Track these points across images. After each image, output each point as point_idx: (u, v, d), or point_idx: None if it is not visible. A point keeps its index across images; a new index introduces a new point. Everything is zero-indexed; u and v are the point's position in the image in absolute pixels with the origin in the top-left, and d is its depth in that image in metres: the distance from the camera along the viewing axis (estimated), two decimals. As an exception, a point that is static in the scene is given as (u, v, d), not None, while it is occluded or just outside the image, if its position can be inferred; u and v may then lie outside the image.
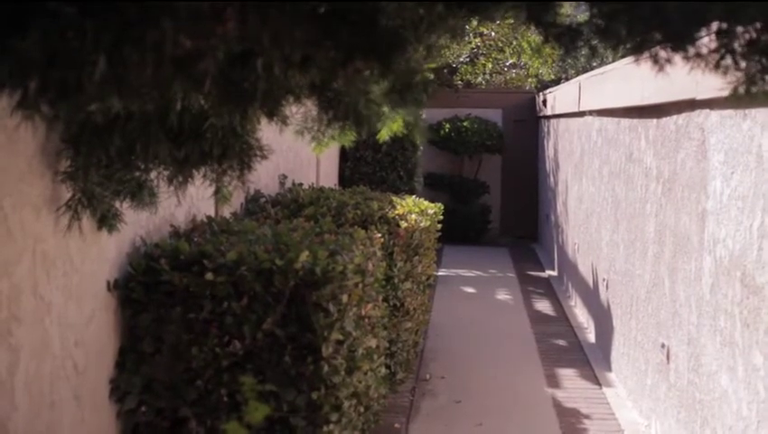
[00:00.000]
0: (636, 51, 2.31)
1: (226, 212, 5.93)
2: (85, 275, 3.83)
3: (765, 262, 3.98)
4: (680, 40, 2.28)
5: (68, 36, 1.98)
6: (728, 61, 2.30)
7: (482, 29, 16.53)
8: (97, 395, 4.06)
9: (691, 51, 2.32)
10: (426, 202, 7.63)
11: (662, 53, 2.34)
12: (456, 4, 2.32)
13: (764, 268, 3.99)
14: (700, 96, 4.89)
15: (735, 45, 2.26)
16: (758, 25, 2.23)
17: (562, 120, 12.53)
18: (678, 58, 2.35)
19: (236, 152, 3.02)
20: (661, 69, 2.37)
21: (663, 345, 5.91)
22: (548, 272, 13.13)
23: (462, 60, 17.41)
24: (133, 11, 1.99)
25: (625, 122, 7.48)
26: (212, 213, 5.61)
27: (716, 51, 2.30)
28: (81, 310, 3.81)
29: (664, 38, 2.29)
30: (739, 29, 2.24)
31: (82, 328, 3.82)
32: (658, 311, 6.13)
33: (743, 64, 2.28)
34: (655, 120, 6.32)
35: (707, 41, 2.29)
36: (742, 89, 2.32)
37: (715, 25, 2.29)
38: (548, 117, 14.21)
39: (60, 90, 2.10)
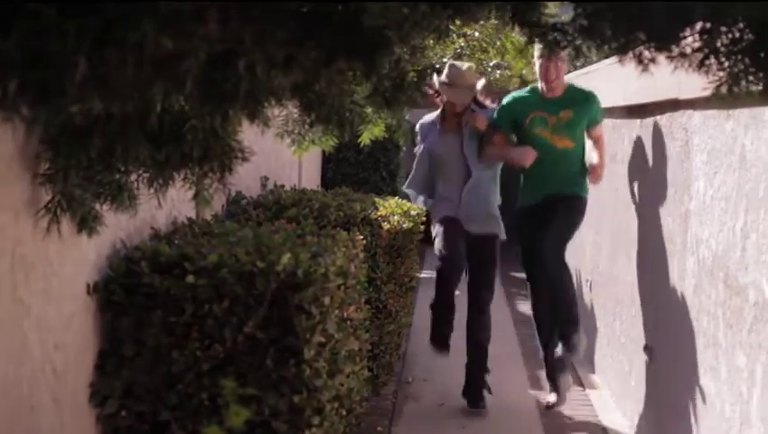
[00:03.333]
0: (620, 50, 2.31)
1: (207, 214, 5.90)
2: (64, 278, 3.79)
3: (748, 263, 3.97)
4: (664, 39, 2.28)
5: (48, 37, 1.96)
6: (712, 60, 2.30)
7: (465, 29, 16.54)
8: (76, 399, 4.02)
9: (675, 50, 2.32)
10: (408, 204, 7.62)
11: (646, 53, 2.33)
12: (440, 4, 2.30)
13: (747, 268, 3.98)
14: (683, 96, 4.89)
15: (719, 44, 2.26)
16: (741, 25, 2.22)
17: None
18: (661, 58, 2.34)
19: (217, 154, 3.01)
20: (645, 68, 2.36)
21: (647, 347, 5.91)
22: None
23: (445, 60, 17.40)
24: (114, 12, 1.97)
25: (609, 122, 7.48)
26: (193, 216, 5.58)
27: (699, 50, 2.29)
28: (61, 313, 3.78)
29: (648, 38, 2.28)
30: (722, 28, 2.24)
31: (62, 331, 3.79)
32: (641, 312, 6.13)
33: (726, 63, 2.28)
34: (639, 120, 6.33)
35: (690, 40, 2.29)
36: (724, 89, 2.32)
37: (698, 25, 2.28)
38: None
39: (41, 92, 2.08)
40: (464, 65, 7.09)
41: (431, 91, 6.81)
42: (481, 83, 7.03)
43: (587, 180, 6.85)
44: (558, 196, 6.76)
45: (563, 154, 6.74)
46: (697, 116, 4.82)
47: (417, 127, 7.29)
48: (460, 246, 7.05)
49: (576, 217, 6.90)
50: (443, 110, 7.09)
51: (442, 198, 7.19)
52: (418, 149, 7.22)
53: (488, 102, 7.16)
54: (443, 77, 6.90)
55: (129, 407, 4.25)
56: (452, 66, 7.01)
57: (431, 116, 7.25)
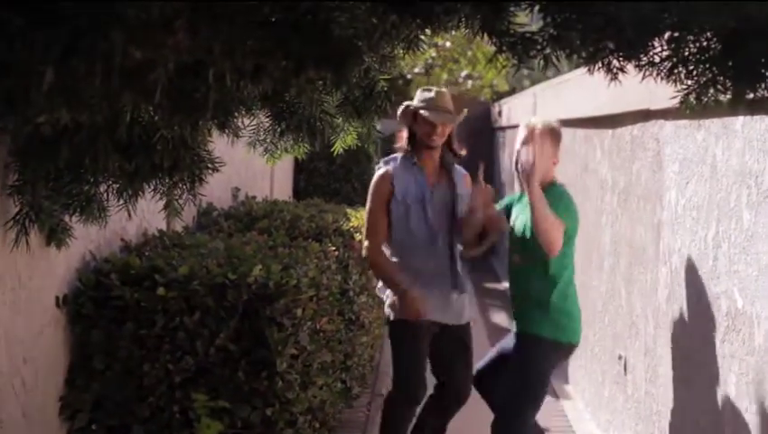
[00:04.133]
0: (590, 60, 2.31)
1: (178, 225, 5.87)
2: (33, 290, 3.76)
3: (720, 273, 3.98)
4: (633, 48, 2.28)
5: (15, 47, 1.94)
6: (680, 69, 2.30)
7: (437, 40, 16.59)
8: (46, 413, 3.99)
9: (644, 59, 2.32)
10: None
11: (615, 62, 2.34)
12: (409, 13, 2.30)
13: (719, 278, 3.99)
14: (655, 106, 4.90)
15: (687, 53, 2.27)
16: (708, 34, 2.23)
17: (518, 131, 12.55)
18: (631, 67, 2.34)
19: (187, 164, 2.99)
20: (615, 77, 2.36)
21: (620, 357, 5.91)
22: (505, 284, 13.13)
23: (417, 71, 17.44)
24: (82, 21, 1.95)
25: (581, 132, 7.50)
26: (164, 227, 5.55)
27: (668, 59, 2.30)
28: (30, 326, 3.75)
29: (617, 47, 2.29)
30: (690, 38, 2.25)
31: (31, 345, 3.76)
32: (614, 322, 6.13)
33: (694, 72, 2.28)
34: (610, 131, 6.34)
35: (658, 50, 2.29)
36: (693, 98, 2.33)
37: (667, 35, 2.28)
38: (504, 128, 14.24)
39: (7, 102, 2.06)
40: (434, 88, 5.25)
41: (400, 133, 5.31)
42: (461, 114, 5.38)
43: (562, 320, 4.76)
44: (520, 334, 4.89)
45: (519, 271, 4.88)
46: (668, 126, 4.83)
47: (383, 168, 5.34)
48: (425, 363, 5.13)
49: (532, 377, 4.79)
50: (411, 148, 5.25)
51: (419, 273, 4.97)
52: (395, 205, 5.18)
53: (463, 151, 5.55)
54: (415, 102, 5.14)
55: (100, 420, 4.22)
56: (424, 89, 5.26)
57: (397, 156, 5.36)
